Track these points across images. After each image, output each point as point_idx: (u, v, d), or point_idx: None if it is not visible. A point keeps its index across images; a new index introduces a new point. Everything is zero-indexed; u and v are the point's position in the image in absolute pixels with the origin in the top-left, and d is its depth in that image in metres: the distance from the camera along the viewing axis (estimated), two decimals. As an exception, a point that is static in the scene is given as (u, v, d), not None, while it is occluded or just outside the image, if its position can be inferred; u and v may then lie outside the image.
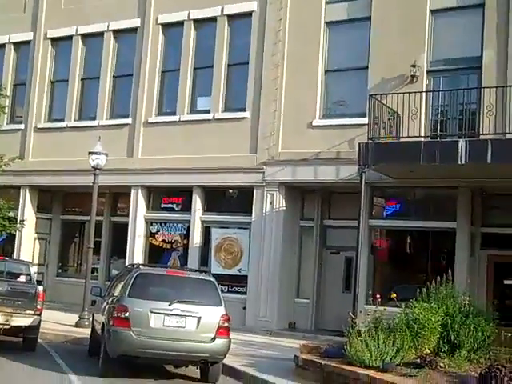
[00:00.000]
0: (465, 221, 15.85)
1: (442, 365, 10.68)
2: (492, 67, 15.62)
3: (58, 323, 16.25)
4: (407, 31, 16.64)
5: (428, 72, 16.57)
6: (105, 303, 12.27)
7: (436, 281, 12.50)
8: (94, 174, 17.59)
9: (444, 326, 11.54)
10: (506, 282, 16.06)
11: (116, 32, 21.60)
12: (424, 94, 15.92)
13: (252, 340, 15.49)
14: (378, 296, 12.55)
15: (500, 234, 15.72)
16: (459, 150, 13.54)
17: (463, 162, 13.56)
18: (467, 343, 11.36)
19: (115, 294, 11.96)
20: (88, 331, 14.08)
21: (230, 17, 19.56)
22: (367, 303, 15.11)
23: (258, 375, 11.48)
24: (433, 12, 16.71)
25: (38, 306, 13.09)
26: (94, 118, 21.47)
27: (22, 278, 14.30)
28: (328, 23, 18.11)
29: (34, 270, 15.12)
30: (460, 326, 11.46)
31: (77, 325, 16.44)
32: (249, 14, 19.15)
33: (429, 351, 11.22)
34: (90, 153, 17.64)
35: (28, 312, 12.94)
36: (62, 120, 22.09)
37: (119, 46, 21.75)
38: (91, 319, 14.24)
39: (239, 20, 19.48)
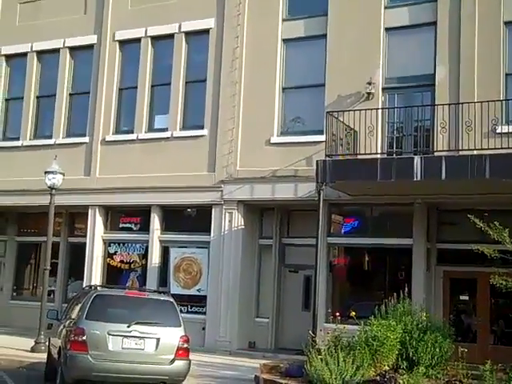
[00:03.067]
0: (421, 237, 16.02)
1: (401, 381, 10.75)
2: (445, 84, 15.90)
3: (12, 348, 15.91)
4: (363, 49, 16.86)
5: (383, 89, 16.79)
6: (61, 326, 12.04)
7: (394, 297, 12.62)
8: (51, 194, 17.32)
9: (402, 342, 11.65)
10: (461, 297, 16.29)
11: (72, 49, 21.41)
12: (380, 110, 16.11)
13: (212, 361, 15.36)
14: (337, 314, 12.60)
15: (455, 249, 15.92)
16: (415, 167, 13.75)
17: (419, 178, 13.77)
18: (425, 359, 11.50)
19: (72, 317, 11.74)
20: (44, 356, 13.77)
21: (188, 34, 19.56)
22: (327, 321, 15.19)
23: (218, 397, 11.39)
24: (387, 30, 16.97)
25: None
26: (50, 137, 21.17)
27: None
28: (285, 40, 18.24)
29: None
30: (418, 343, 11.59)
31: (32, 350, 16.06)
32: (206, 31, 19.19)
33: (388, 368, 11.30)
34: (45, 172, 17.39)
35: (-19, 338, 12.62)
36: (17, 139, 21.73)
37: (75, 62, 21.55)
38: (47, 343, 13.94)
39: (197, 37, 19.49)
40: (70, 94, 21.39)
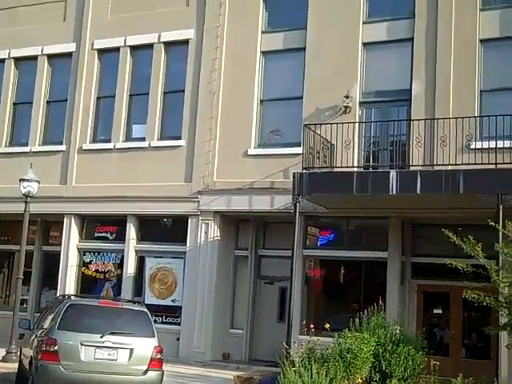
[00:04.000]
0: (396, 251, 16.14)
1: (373, 394, 10.82)
2: (421, 99, 16.09)
3: (-17, 357, 15.70)
4: (341, 62, 17.00)
5: (360, 103, 16.93)
6: (33, 336, 11.92)
7: (368, 310, 12.69)
8: (26, 202, 17.16)
9: (376, 355, 11.72)
10: (435, 310, 16.42)
11: (50, 56, 21.30)
12: (357, 124, 16.26)
13: (185, 372, 15.29)
14: (311, 326, 12.62)
15: (428, 263, 16.03)
16: (390, 181, 13.89)
17: (394, 192, 13.91)
18: (398, 372, 11.58)
19: (44, 327, 11.64)
20: (15, 366, 13.62)
21: (167, 44, 19.58)
22: (301, 333, 15.14)
23: (191, 409, 11.35)
24: (365, 45, 17.13)
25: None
26: (26, 144, 20.99)
27: None
28: (264, 52, 18.33)
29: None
30: (391, 355, 11.67)
31: (4, 359, 15.84)
32: (185, 42, 19.21)
33: (361, 380, 11.36)
34: (21, 180, 17.24)
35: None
36: (-7, 146, 21.57)
37: (53, 70, 21.42)
38: (19, 353, 13.79)
39: (176, 47, 19.50)
40: (48, 102, 21.26)
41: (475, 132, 14.84)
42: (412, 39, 16.52)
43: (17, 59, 21.81)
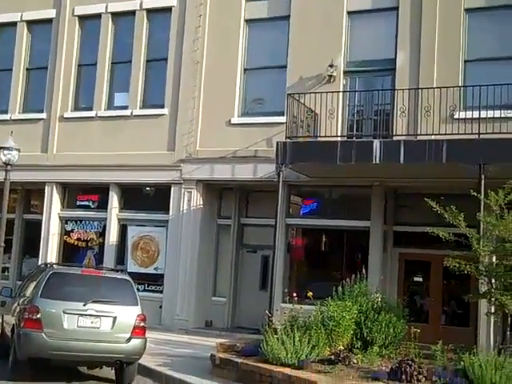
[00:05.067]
0: (378, 219, 16.22)
1: (355, 361, 10.93)
2: (405, 69, 16.06)
3: (-36, 325, 15.60)
4: (325, 31, 16.90)
5: (345, 72, 16.88)
6: (16, 304, 11.88)
7: (350, 279, 12.79)
8: (6, 170, 17.02)
9: (357, 323, 11.84)
10: (415, 278, 16.60)
11: (30, 22, 21.00)
12: (341, 94, 16.20)
13: (168, 339, 15.36)
14: (294, 294, 12.70)
15: (410, 232, 16.16)
16: (374, 150, 13.89)
17: (377, 161, 13.93)
18: (379, 339, 11.71)
19: (27, 295, 11.60)
20: (-3, 333, 13.57)
21: (149, 11, 19.34)
22: (284, 301, 15.33)
23: (174, 375, 11.42)
24: (350, 13, 17.03)
25: None
26: (5, 112, 20.76)
27: None
28: (248, 21, 18.16)
29: None
30: (373, 323, 11.79)
31: (-15, 326, 15.83)
32: (168, 9, 18.99)
33: (343, 348, 11.47)
34: (0, 148, 17.07)
35: None
36: (-28, 113, 21.26)
37: (33, 37, 21.14)
38: (0, 321, 13.74)
39: (158, 15, 19.28)
40: (27, 69, 21.01)
41: (459, 102, 14.88)
42: (397, 8, 16.43)
43: (-5, 26, 21.43)
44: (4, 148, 17.03)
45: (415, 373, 9.82)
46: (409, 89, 15.20)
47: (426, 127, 14.41)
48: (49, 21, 20.54)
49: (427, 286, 16.33)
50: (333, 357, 10.87)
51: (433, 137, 14.15)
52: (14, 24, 21.03)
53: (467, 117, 14.08)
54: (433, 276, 16.03)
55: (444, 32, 15.71)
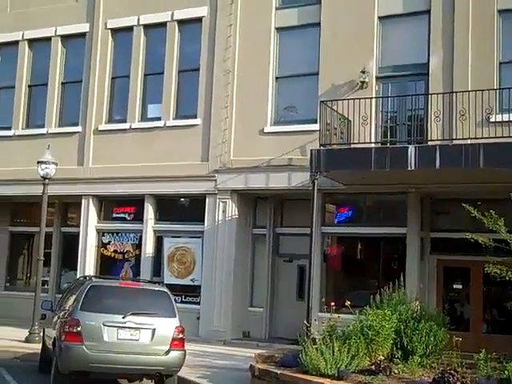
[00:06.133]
0: (414, 226, 16.05)
1: (396, 371, 10.76)
2: (438, 73, 15.89)
3: (6, 339, 15.87)
4: (356, 37, 16.82)
5: (377, 78, 16.77)
6: (56, 317, 12.02)
7: (388, 286, 12.64)
8: (44, 184, 17.25)
9: (397, 332, 11.65)
10: (455, 286, 16.36)
11: (64, 37, 21.26)
12: (374, 100, 16.10)
13: (206, 350, 15.37)
14: (332, 304, 12.59)
15: (448, 238, 15.97)
16: (409, 156, 13.75)
17: (413, 167, 13.77)
18: (420, 349, 11.51)
19: (67, 308, 11.72)
20: (39, 346, 13.77)
21: (180, 22, 19.46)
22: (321, 311, 15.21)
23: (214, 387, 11.42)
24: (381, 18, 16.92)
25: (-14, 323, 12.73)
26: (42, 126, 21.03)
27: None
28: (278, 29, 18.17)
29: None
30: (413, 332, 11.60)
31: (27, 340, 16.04)
32: (199, 20, 19.08)
33: (383, 357, 11.28)
34: (38, 162, 17.29)
35: (-25, 329, 12.56)
36: (9, 128, 21.56)
37: (67, 51, 21.40)
38: (42, 334, 13.92)
39: (189, 25, 19.39)
40: (62, 83, 21.26)
41: (495, 105, 14.65)
42: (429, 11, 16.27)
43: (30, 41, 21.79)
44: (42, 162, 17.23)
45: (458, 383, 9.63)
46: (443, 93, 15.04)
47: (462, 131, 14.20)
48: (82, 35, 20.81)
49: (467, 293, 16.10)
50: (373, 367, 10.73)
51: (469, 141, 13.95)
52: (48, 39, 21.31)
53: (504, 120, 13.86)
54: (473, 283, 15.78)
55: (477, 34, 15.51)
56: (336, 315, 12.04)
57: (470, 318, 15.89)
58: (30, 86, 21.82)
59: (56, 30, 21.22)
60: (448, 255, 16.01)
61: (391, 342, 11.55)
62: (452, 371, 9.85)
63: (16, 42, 21.86)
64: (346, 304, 12.58)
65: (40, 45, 21.66)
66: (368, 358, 11.14)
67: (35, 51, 21.88)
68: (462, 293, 16.33)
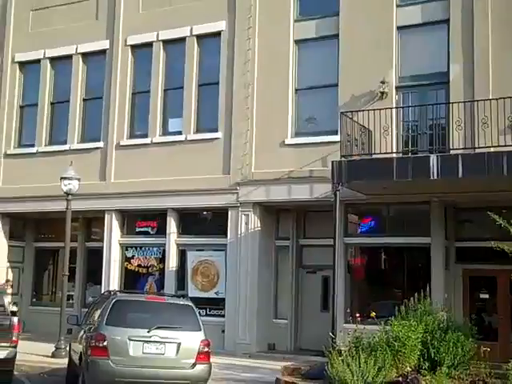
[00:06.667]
0: (439, 235, 15.96)
1: (423, 382, 10.71)
2: (459, 82, 15.82)
3: (33, 354, 15.96)
4: (375, 48, 16.80)
5: (397, 88, 16.73)
6: (82, 332, 12.07)
7: (413, 297, 12.55)
8: (67, 200, 17.39)
9: (424, 342, 11.58)
10: (481, 295, 16.19)
11: (85, 54, 21.49)
12: (394, 110, 16.06)
13: (232, 363, 15.37)
14: (357, 315, 12.54)
15: (473, 247, 15.87)
16: (431, 166, 13.69)
17: (435, 177, 13.70)
18: (447, 359, 11.42)
19: (92, 322, 11.77)
20: (65, 361, 13.83)
21: (199, 37, 19.59)
22: (346, 322, 15.14)
23: (240, 400, 11.40)
24: (399, 28, 16.90)
25: (14, 338, 12.80)
26: (64, 143, 21.25)
27: (-4, 310, 13.97)
28: (297, 41, 18.22)
29: (7, 300, 14.81)
30: (440, 343, 11.52)
31: (53, 355, 16.15)
32: (218, 34, 19.21)
33: (410, 369, 11.22)
34: (62, 178, 17.45)
35: (3, 344, 12.64)
36: (33, 145, 21.84)
37: (88, 68, 21.63)
38: (68, 349, 13.99)
39: (208, 40, 19.51)
40: (84, 100, 21.49)
41: (517, 112, 14.52)
42: (448, 20, 16.23)
43: (52, 59, 22.06)
44: (65, 178, 17.37)
45: (487, 394, 9.56)
46: (464, 101, 14.97)
47: (484, 139, 14.12)
48: (103, 52, 21.04)
49: (494, 302, 15.92)
50: (400, 378, 10.68)
51: (492, 149, 13.85)
52: (69, 57, 21.56)
53: (527, 127, 13.75)
54: (499, 292, 15.63)
55: (497, 41, 15.44)
56: (361, 326, 12.00)
57: (497, 327, 15.70)
58: (52, 104, 22.08)
59: (77, 48, 21.47)
60: (473, 264, 15.89)
61: (418, 353, 11.48)
62: (481, 382, 9.79)
63: (38, 61, 22.15)
64: (371, 315, 12.53)
65: (61, 62, 21.92)
66: (395, 370, 11.10)
67: (57, 69, 22.15)
68: (488, 302, 16.15)
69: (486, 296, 16.17)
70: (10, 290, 20.81)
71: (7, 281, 21.16)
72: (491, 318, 16.00)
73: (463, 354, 11.50)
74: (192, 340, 11.11)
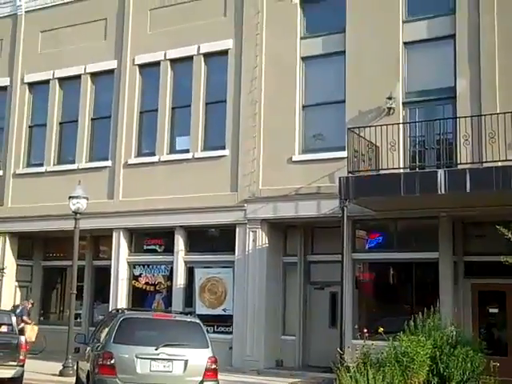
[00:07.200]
0: (447, 250, 15.87)
1: (432, 398, 10.62)
2: (466, 96, 15.83)
3: (41, 373, 15.89)
4: (382, 64, 16.85)
5: (404, 103, 16.74)
6: (89, 350, 12.06)
7: (422, 312, 12.48)
8: (75, 219, 17.44)
9: (433, 358, 11.52)
10: (490, 310, 16.08)
11: (93, 74, 21.65)
12: (401, 125, 16.08)
13: (240, 380, 15.29)
14: (365, 330, 12.47)
15: (482, 262, 15.76)
16: (438, 181, 13.67)
17: (443, 191, 13.68)
18: (457, 375, 11.35)
19: (100, 341, 11.77)
20: (73, 380, 13.83)
21: (206, 55, 19.70)
22: (354, 338, 15.05)
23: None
24: (406, 44, 16.96)
25: (21, 357, 12.83)
26: (73, 162, 21.36)
27: (4, 329, 14.01)
28: (304, 58, 18.30)
29: (15, 319, 14.80)
30: (449, 358, 11.45)
31: (61, 374, 16.08)
32: (225, 52, 19.32)
33: (419, 385, 11.15)
34: (70, 197, 17.51)
35: (10, 363, 12.66)
36: (41, 165, 21.96)
37: (96, 88, 21.77)
38: (75, 367, 13.98)
39: (215, 58, 19.62)
40: (92, 119, 21.62)
41: (525, 126, 14.50)
42: (454, 35, 16.27)
43: (61, 79, 22.23)
44: (73, 197, 17.43)
45: (497, 409, 9.45)
46: (471, 116, 14.96)
47: (492, 154, 14.11)
48: (111, 71, 21.18)
49: (504, 316, 15.79)
50: (409, 394, 10.60)
51: (499, 163, 13.82)
52: (78, 77, 21.72)
53: (534, 141, 13.71)
54: (509, 306, 15.50)
55: (504, 55, 15.45)
56: (369, 342, 11.94)
57: (507, 342, 15.56)
58: (60, 123, 22.21)
59: (85, 68, 21.64)
60: (482, 279, 15.77)
61: (427, 368, 11.42)
62: (491, 397, 9.68)
63: (47, 81, 22.33)
64: (380, 330, 12.47)
65: (70, 83, 22.06)
66: (404, 386, 11.00)
67: (65, 89, 22.30)
68: (498, 316, 16.03)
69: (496, 310, 16.06)
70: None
71: (32, 303, 21.21)
72: (501, 333, 15.87)
73: (472, 369, 11.42)
74: (199, 357, 11.10)
